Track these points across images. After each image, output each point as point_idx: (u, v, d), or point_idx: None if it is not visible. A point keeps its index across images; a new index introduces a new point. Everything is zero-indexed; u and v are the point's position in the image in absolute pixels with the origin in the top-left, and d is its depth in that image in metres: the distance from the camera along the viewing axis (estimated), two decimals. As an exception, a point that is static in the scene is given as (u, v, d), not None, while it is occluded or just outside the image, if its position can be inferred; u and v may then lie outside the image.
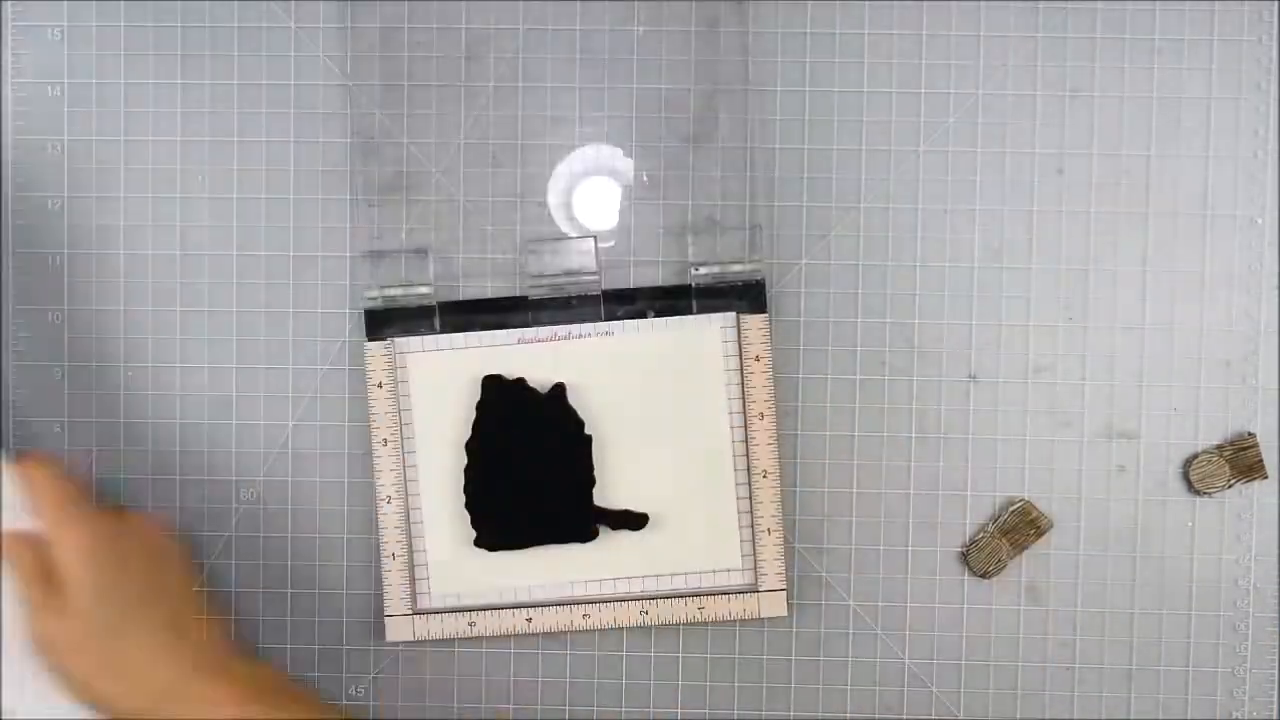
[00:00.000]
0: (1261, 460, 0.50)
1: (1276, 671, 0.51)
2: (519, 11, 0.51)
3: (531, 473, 0.50)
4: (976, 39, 0.51)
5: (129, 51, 0.52)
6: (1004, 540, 0.50)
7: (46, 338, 0.52)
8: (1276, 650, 0.51)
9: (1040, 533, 0.51)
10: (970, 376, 0.51)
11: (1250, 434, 0.51)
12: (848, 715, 0.51)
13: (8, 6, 0.52)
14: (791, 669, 0.51)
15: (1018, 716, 0.51)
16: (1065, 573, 0.51)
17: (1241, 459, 0.50)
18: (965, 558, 0.51)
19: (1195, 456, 0.51)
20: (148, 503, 0.52)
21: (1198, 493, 0.51)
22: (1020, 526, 0.51)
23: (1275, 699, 0.51)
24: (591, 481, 0.50)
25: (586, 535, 0.50)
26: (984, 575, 0.51)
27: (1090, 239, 0.51)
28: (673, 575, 0.51)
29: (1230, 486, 0.50)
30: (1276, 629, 0.51)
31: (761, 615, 0.51)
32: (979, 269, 0.51)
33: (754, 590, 0.50)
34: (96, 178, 0.52)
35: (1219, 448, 0.51)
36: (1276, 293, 0.51)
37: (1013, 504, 0.51)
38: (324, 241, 0.52)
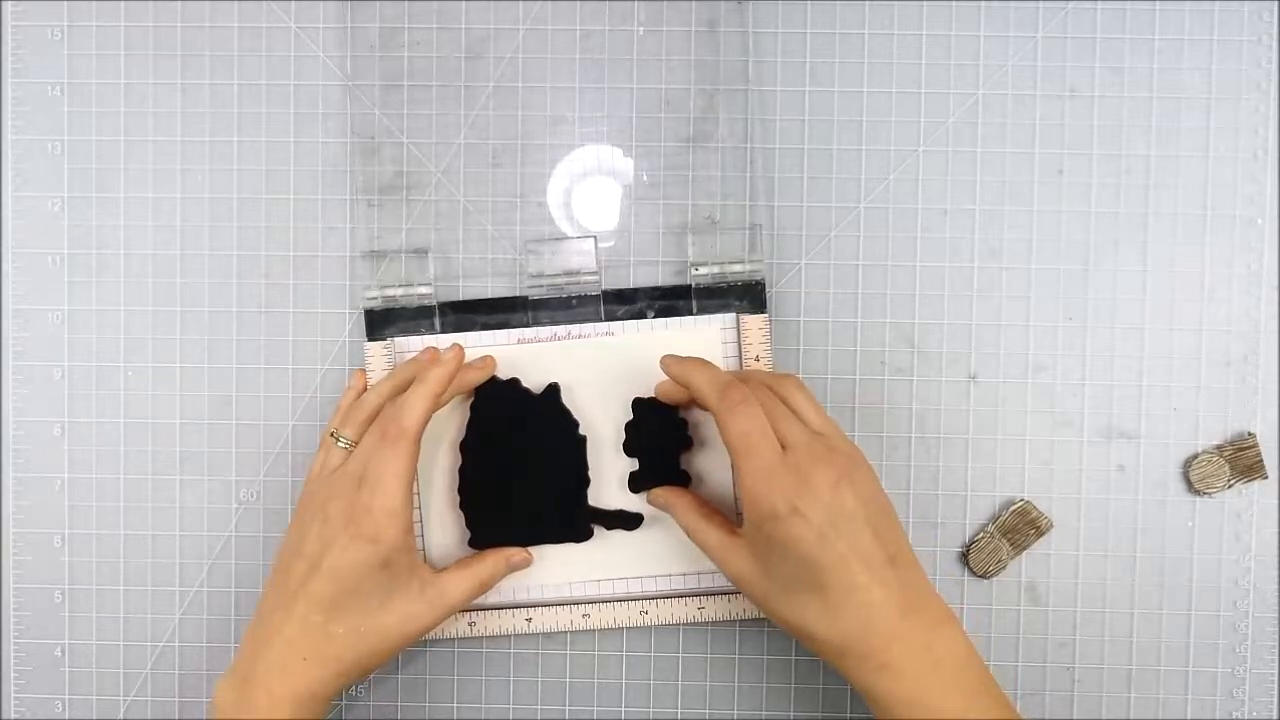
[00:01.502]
0: (1261, 460, 0.50)
1: (1276, 671, 0.51)
2: (519, 11, 0.51)
3: (526, 472, 0.50)
4: (976, 39, 0.51)
5: (129, 51, 0.52)
6: (1004, 540, 0.51)
7: (46, 338, 0.52)
8: (1276, 650, 0.51)
9: (1040, 533, 0.51)
10: (970, 376, 0.51)
11: (1250, 434, 0.51)
12: (848, 715, 0.51)
13: (8, 6, 0.52)
14: (791, 669, 0.51)
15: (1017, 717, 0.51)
16: (1065, 573, 0.51)
17: (1241, 459, 0.50)
18: (965, 558, 0.51)
19: (1195, 456, 0.51)
20: (148, 503, 0.52)
21: (1198, 493, 0.51)
22: (1020, 527, 0.51)
23: (1275, 699, 0.51)
24: (586, 481, 0.50)
25: (581, 535, 0.50)
26: (984, 575, 0.51)
27: (1090, 239, 0.51)
28: (670, 575, 0.51)
29: (1230, 486, 0.51)
30: (1276, 629, 0.51)
31: (762, 615, 0.51)
32: (979, 269, 0.51)
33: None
34: (96, 178, 0.52)
35: (1219, 448, 0.51)
36: (1276, 293, 0.51)
37: (1013, 504, 0.51)
38: (324, 241, 0.52)
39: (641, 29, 0.51)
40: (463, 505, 0.50)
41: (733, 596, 0.51)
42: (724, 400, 0.43)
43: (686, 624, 0.51)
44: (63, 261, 0.52)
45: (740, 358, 0.50)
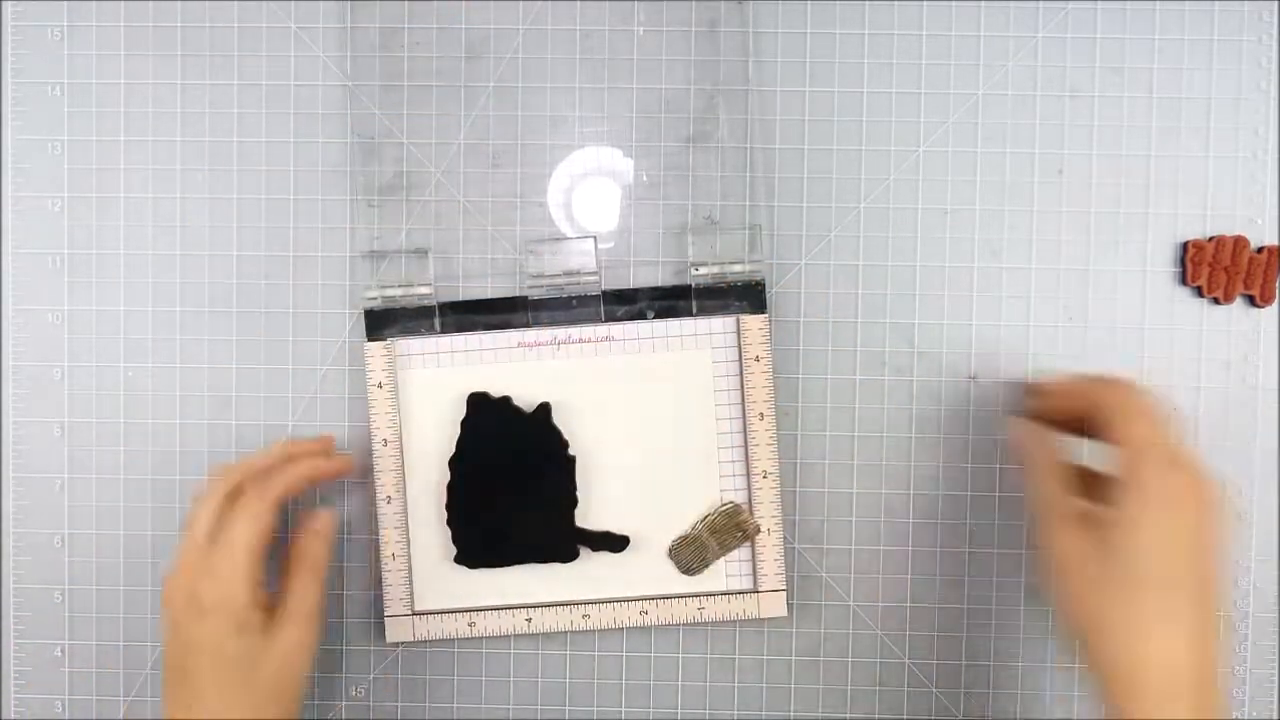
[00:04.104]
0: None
1: (1276, 671, 0.51)
2: (519, 11, 0.51)
3: (513, 492, 0.50)
4: (976, 39, 0.51)
5: (129, 51, 0.52)
6: (712, 539, 0.50)
7: (46, 338, 0.52)
8: (1276, 650, 0.51)
9: (747, 537, 0.50)
10: (970, 376, 0.51)
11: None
12: (848, 715, 0.51)
13: (8, 6, 0.52)
14: (791, 669, 0.51)
15: (1017, 716, 0.51)
16: (1065, 573, 0.51)
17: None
18: (671, 553, 0.51)
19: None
20: (148, 503, 0.52)
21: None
22: (728, 528, 0.50)
23: (1275, 699, 0.51)
24: (573, 502, 0.50)
25: (567, 556, 0.50)
26: (688, 572, 0.50)
27: (1090, 239, 0.51)
28: (658, 599, 0.51)
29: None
30: (1276, 629, 0.51)
31: (761, 615, 0.51)
32: (979, 269, 0.51)
33: (754, 591, 0.50)
34: (96, 178, 0.52)
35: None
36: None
37: (723, 505, 0.50)
38: (324, 241, 0.52)
39: (641, 29, 0.51)
40: (450, 522, 0.50)
41: (732, 596, 0.51)
42: (1105, 382, 0.43)
43: (686, 624, 0.51)
44: (63, 261, 0.52)
45: (740, 358, 0.50)
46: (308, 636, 0.46)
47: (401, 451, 0.51)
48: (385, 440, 0.51)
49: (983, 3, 0.51)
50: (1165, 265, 0.51)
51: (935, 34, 0.51)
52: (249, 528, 0.45)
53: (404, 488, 0.51)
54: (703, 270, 0.51)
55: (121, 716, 0.52)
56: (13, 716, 0.52)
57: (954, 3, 0.51)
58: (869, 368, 0.51)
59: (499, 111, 0.51)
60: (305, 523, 0.49)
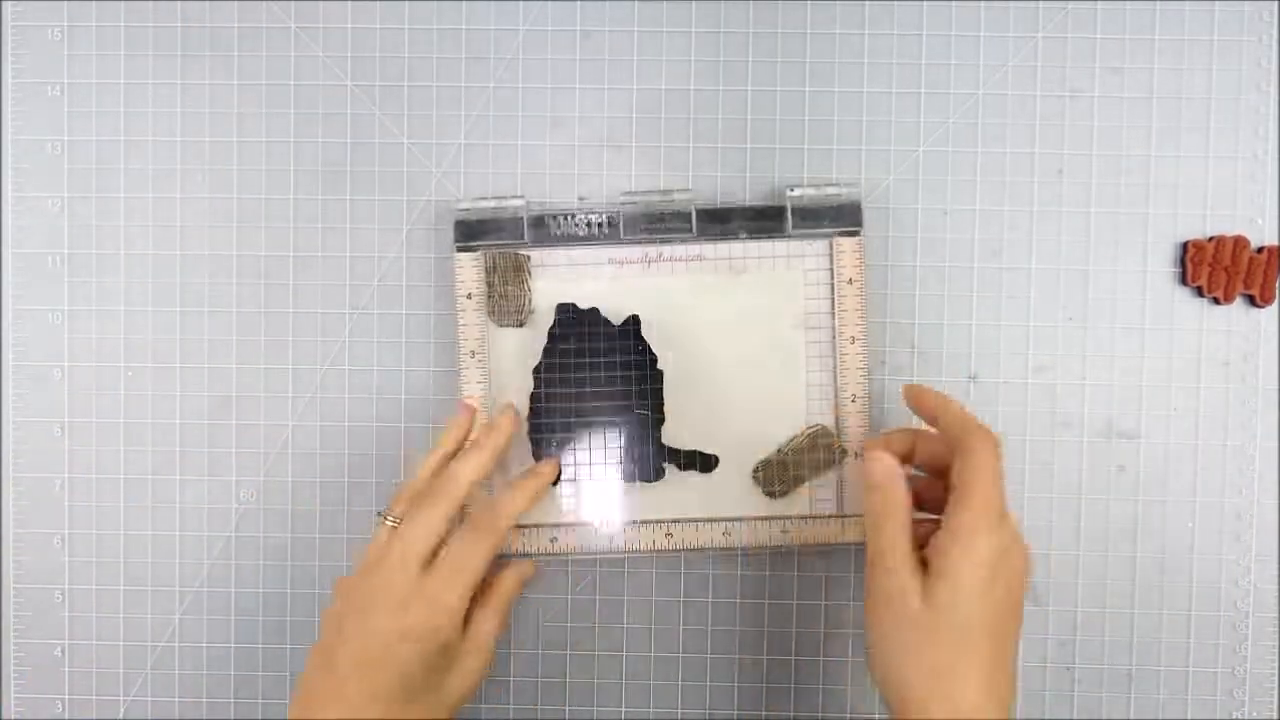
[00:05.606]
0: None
1: (1276, 671, 0.51)
2: (519, 12, 0.51)
3: (599, 407, 0.50)
4: (976, 39, 0.51)
5: (129, 52, 0.52)
6: (798, 462, 0.50)
7: (46, 338, 0.52)
8: (1276, 650, 0.51)
9: (833, 461, 0.50)
10: (970, 376, 0.51)
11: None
12: (848, 715, 0.51)
13: (8, 6, 0.52)
14: (792, 669, 0.51)
15: (1018, 717, 0.51)
16: (1065, 573, 0.51)
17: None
18: (755, 475, 0.50)
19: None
20: (148, 503, 0.52)
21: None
22: (815, 451, 0.50)
23: (1275, 699, 0.51)
24: (660, 419, 0.50)
25: (652, 474, 0.50)
26: (772, 495, 0.50)
27: (1090, 239, 0.51)
28: (743, 520, 0.50)
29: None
30: (1276, 629, 0.51)
31: (846, 540, 0.50)
32: (979, 269, 0.51)
33: (839, 515, 0.50)
34: (96, 178, 0.52)
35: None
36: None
37: (810, 428, 0.50)
38: (324, 241, 0.52)
39: (641, 29, 0.51)
40: (531, 436, 0.50)
41: (817, 521, 0.50)
42: (980, 430, 0.43)
43: (770, 547, 0.50)
44: (63, 261, 0.52)
45: (833, 280, 0.50)
46: (484, 667, 0.47)
47: (489, 363, 0.51)
48: (472, 352, 0.50)
49: (983, 3, 0.51)
50: (1165, 265, 0.51)
51: (935, 34, 0.51)
52: (481, 559, 0.45)
53: (490, 400, 0.50)
54: (798, 191, 0.50)
55: (121, 716, 0.52)
56: (13, 716, 0.52)
57: (954, 3, 0.51)
58: (869, 368, 0.51)
59: (499, 111, 0.51)
60: (515, 564, 0.49)
